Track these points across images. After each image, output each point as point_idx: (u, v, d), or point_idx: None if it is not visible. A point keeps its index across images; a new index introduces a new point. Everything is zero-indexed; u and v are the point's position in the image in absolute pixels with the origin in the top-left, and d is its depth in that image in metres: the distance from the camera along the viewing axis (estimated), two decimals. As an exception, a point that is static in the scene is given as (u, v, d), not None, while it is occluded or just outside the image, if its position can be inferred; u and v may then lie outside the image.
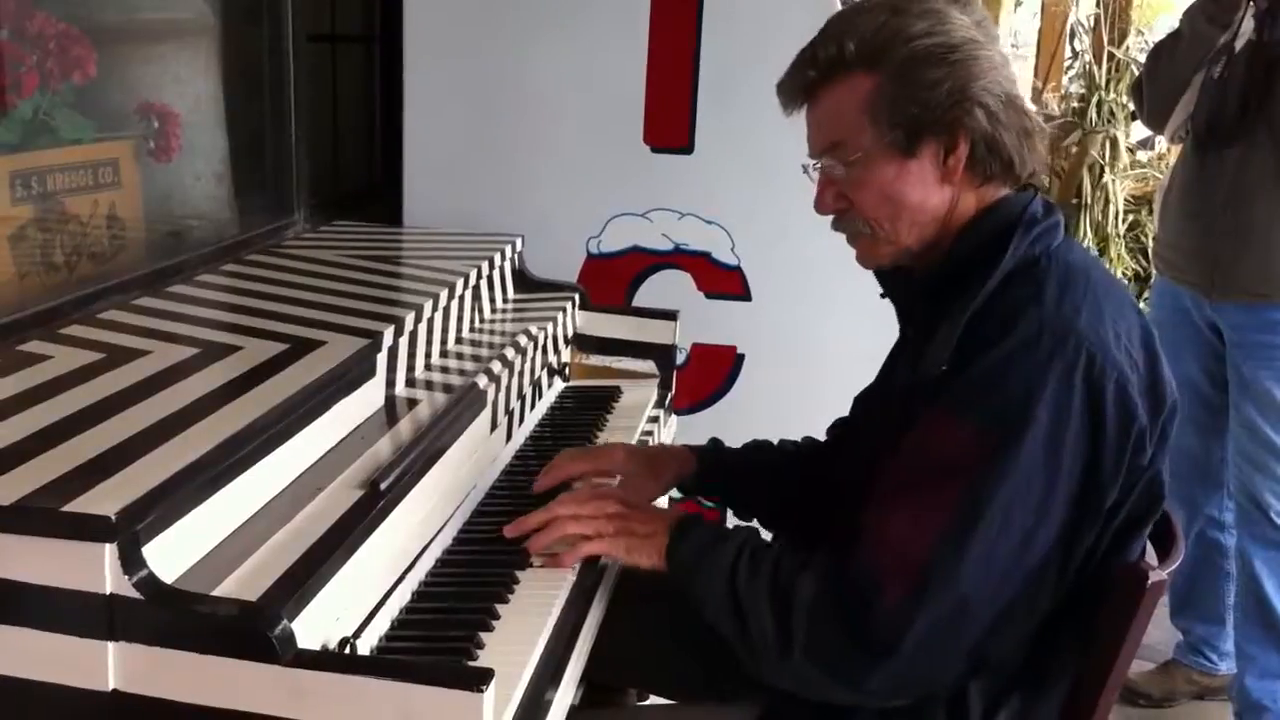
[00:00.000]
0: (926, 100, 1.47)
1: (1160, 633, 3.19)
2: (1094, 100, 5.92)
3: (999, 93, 1.49)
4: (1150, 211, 6.25)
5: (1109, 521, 1.46)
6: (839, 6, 2.35)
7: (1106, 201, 5.88)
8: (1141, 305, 1.72)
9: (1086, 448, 1.39)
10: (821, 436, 1.94)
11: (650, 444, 2.24)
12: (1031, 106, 1.54)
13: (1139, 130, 6.88)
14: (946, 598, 1.38)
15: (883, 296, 1.71)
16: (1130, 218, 5.98)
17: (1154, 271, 3.11)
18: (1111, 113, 5.98)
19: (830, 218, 1.61)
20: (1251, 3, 2.67)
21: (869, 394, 1.82)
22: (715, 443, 1.98)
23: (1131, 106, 6.36)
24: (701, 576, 1.52)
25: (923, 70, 1.47)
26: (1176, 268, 2.93)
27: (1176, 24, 2.94)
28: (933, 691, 1.47)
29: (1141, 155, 6.91)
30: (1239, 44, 2.70)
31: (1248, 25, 2.68)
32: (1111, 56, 5.92)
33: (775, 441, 1.96)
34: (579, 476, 1.87)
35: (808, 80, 1.54)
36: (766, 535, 1.68)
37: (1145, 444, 1.44)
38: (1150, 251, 3.17)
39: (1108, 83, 5.91)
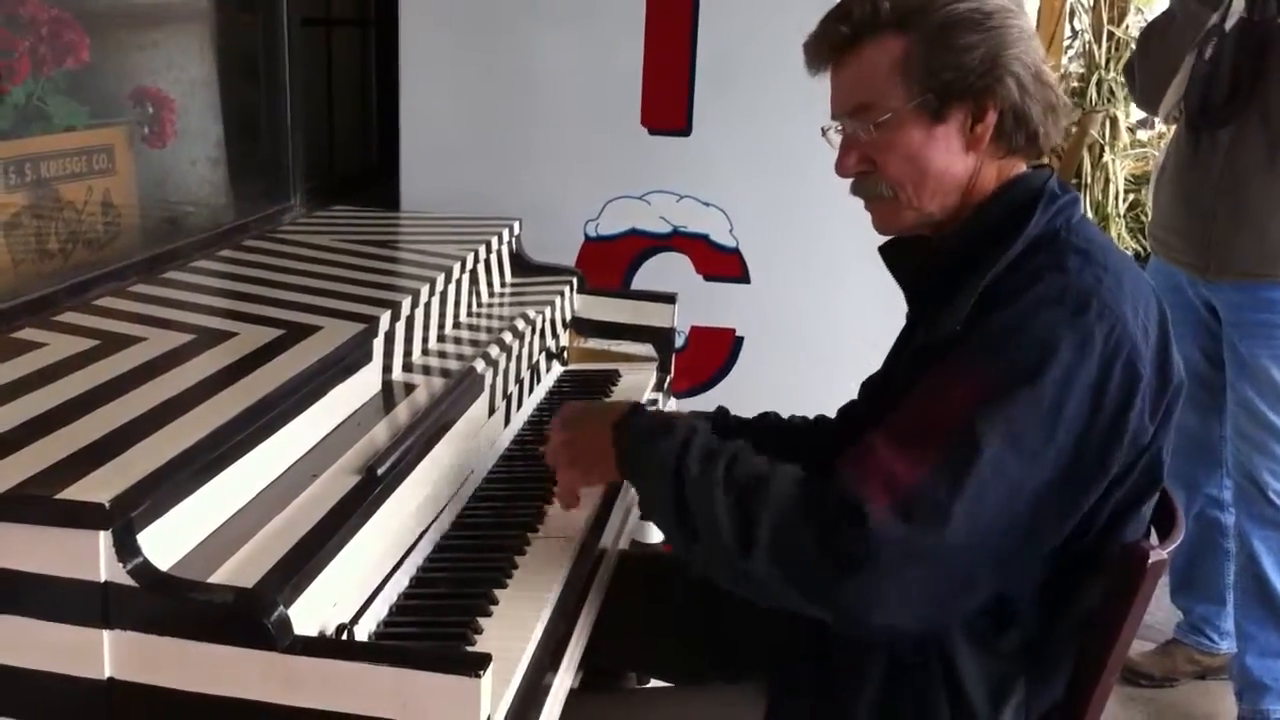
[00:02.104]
0: (960, 65, 1.46)
1: (1161, 612, 3.19)
2: (1094, 79, 5.89)
3: (1029, 63, 1.48)
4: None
5: (1106, 497, 1.45)
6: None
7: (1106, 181, 5.86)
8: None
9: (1086, 412, 1.38)
10: (824, 417, 1.94)
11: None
12: (1054, 81, 1.52)
13: (1139, 109, 6.86)
14: (929, 530, 1.32)
15: (897, 280, 1.70)
16: (1130, 197, 5.95)
17: (1150, 251, 3.11)
18: (1111, 92, 5.95)
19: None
20: None
21: (875, 380, 1.81)
22: (722, 410, 1.98)
23: (1131, 86, 6.35)
24: (643, 463, 1.50)
25: (958, 35, 1.46)
26: (1171, 248, 2.92)
27: (1168, 3, 2.93)
28: (896, 638, 1.44)
29: (1142, 134, 6.87)
30: (1229, 24, 2.68)
31: (1238, 4, 2.66)
32: (1111, 35, 5.89)
33: (789, 410, 1.96)
34: None
35: (839, 38, 1.52)
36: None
37: (1144, 420, 1.43)
38: (1147, 233, 3.16)
39: (1107, 62, 5.88)
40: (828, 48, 1.53)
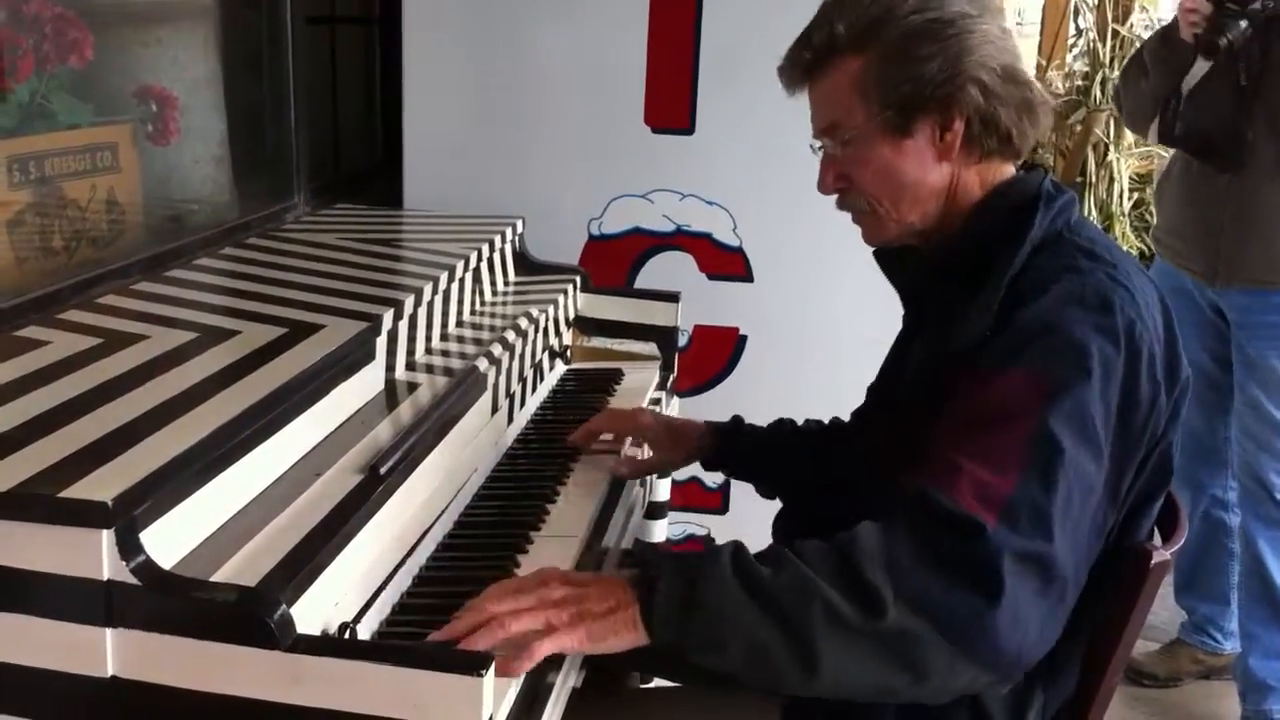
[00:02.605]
0: (918, 78, 1.47)
1: (1165, 612, 3.19)
2: (1098, 78, 5.88)
3: (994, 66, 1.47)
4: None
5: (1125, 497, 1.45)
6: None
7: (1111, 180, 5.85)
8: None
9: (1122, 409, 1.38)
10: (839, 419, 1.94)
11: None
12: (1030, 78, 1.52)
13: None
14: (1037, 537, 1.27)
15: (894, 285, 1.70)
16: (1135, 196, 5.94)
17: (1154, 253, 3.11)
18: (1116, 91, 5.94)
19: (834, 198, 1.60)
20: (1206, 48, 2.66)
21: (876, 386, 1.81)
22: (737, 420, 1.98)
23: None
24: (701, 608, 1.28)
25: (913, 48, 1.47)
26: (1178, 254, 2.93)
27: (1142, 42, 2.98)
28: (1027, 662, 1.31)
29: (1146, 133, 6.83)
30: (1187, 87, 2.74)
31: (1198, 70, 2.71)
32: (1115, 34, 5.88)
33: (800, 421, 1.96)
34: (608, 433, 2.00)
35: (804, 63, 1.54)
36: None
37: (1162, 417, 1.43)
38: (1151, 236, 3.17)
39: (1112, 60, 5.87)
40: (798, 72, 1.56)
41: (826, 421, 1.94)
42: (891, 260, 1.68)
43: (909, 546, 1.27)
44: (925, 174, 1.52)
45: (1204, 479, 3.05)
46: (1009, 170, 1.56)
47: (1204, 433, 3.00)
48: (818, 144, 1.58)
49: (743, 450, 1.94)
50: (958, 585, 1.25)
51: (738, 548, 1.33)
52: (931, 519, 1.29)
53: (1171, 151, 3.02)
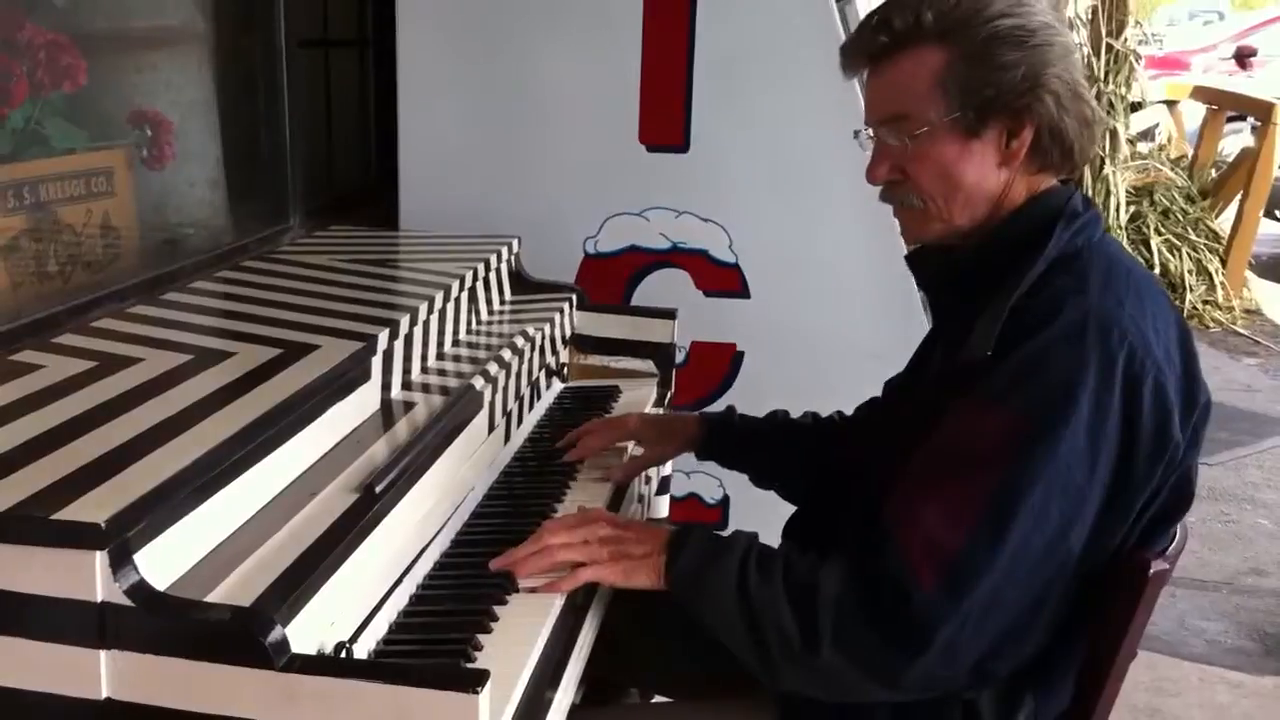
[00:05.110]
0: (1000, 82, 1.45)
1: (1167, 623, 3.18)
2: (1093, 93, 5.90)
3: (1068, 80, 1.47)
4: (1152, 204, 6.23)
5: (1138, 519, 1.44)
6: (833, 8, 2.35)
7: (1108, 193, 5.87)
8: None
9: (1121, 442, 1.38)
10: (840, 413, 1.96)
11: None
12: (1090, 94, 1.52)
13: (1139, 122, 6.85)
14: (980, 591, 1.35)
15: (920, 288, 1.69)
16: (1132, 209, 5.96)
17: None
18: (1111, 104, 5.96)
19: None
20: None
21: (899, 383, 1.81)
22: (729, 409, 1.99)
23: (1133, 99, 6.33)
24: (706, 585, 1.47)
25: (1000, 52, 1.45)
26: None
27: None
28: (961, 686, 1.44)
29: (1142, 147, 6.87)
30: None
31: None
32: (1110, 49, 5.91)
33: (794, 415, 1.97)
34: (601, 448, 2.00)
35: (877, 46, 1.51)
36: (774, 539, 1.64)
37: (1179, 443, 1.42)
38: None
39: (1107, 74, 5.90)
40: (865, 56, 1.53)
41: (825, 416, 1.95)
42: (923, 267, 1.68)
43: (855, 596, 1.39)
44: (983, 178, 1.50)
45: None
46: (1051, 181, 1.55)
47: None
48: (869, 132, 1.56)
49: (734, 438, 1.97)
50: (887, 640, 1.37)
51: (752, 544, 1.49)
52: (877, 573, 1.38)
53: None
